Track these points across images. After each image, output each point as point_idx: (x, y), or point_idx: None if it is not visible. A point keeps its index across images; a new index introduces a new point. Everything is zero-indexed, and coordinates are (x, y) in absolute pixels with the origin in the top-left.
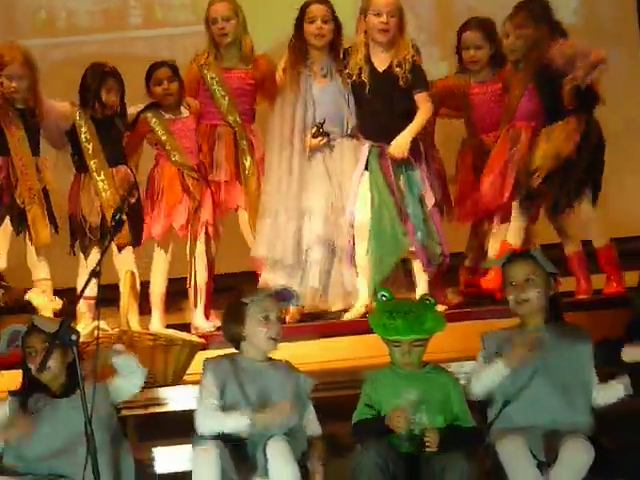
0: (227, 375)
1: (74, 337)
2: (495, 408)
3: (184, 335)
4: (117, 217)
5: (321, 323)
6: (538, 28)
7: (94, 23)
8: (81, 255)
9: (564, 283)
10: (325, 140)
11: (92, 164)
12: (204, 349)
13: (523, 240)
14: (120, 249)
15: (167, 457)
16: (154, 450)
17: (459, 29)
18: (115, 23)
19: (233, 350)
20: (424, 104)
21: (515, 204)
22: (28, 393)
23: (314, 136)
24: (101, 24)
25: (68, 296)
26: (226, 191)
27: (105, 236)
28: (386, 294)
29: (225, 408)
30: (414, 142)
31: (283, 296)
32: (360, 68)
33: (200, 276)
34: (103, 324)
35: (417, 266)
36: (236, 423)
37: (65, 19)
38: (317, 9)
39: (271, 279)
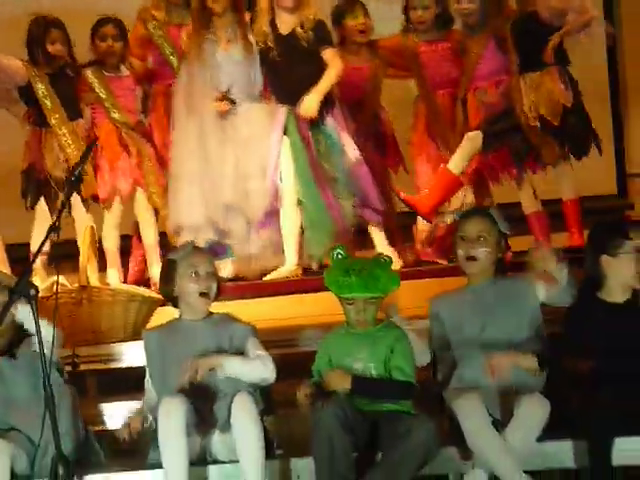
0: (162, 342)
1: (33, 292)
2: (444, 367)
3: (143, 291)
4: (77, 171)
5: (264, 282)
6: None
7: None
8: (37, 210)
9: (517, 242)
10: (229, 106)
11: (53, 120)
12: (163, 305)
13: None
14: (85, 202)
15: (125, 412)
16: (112, 405)
17: None
18: None
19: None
20: (332, 60)
21: (471, 134)
22: None
23: (219, 100)
24: None
25: (19, 252)
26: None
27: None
28: (341, 252)
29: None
30: (327, 100)
31: (215, 250)
32: (265, 33)
33: (148, 233)
34: (62, 279)
35: (370, 225)
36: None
37: None
38: None
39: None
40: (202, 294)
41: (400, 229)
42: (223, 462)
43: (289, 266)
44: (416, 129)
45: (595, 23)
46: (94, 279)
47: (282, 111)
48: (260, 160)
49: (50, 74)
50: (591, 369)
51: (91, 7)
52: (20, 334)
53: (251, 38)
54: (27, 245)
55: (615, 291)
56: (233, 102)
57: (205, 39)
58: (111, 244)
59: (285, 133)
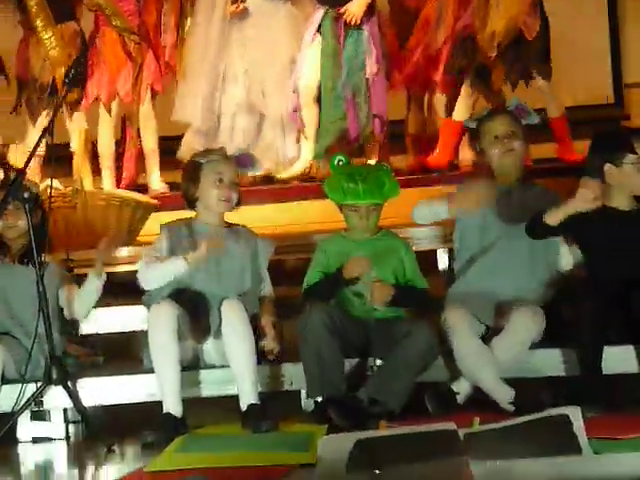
0: (181, 235)
1: (27, 194)
2: (458, 265)
3: (137, 196)
4: (70, 74)
5: (274, 187)
6: None
7: None
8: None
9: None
10: (242, 7)
11: (38, 22)
12: (158, 210)
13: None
14: (72, 107)
15: (119, 317)
16: (106, 309)
17: None
18: None
19: (188, 214)
20: None
21: (466, 81)
22: None
23: (233, 2)
24: None
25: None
26: (172, 55)
27: (55, 94)
28: (343, 158)
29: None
30: (370, 7)
31: (242, 161)
32: None
33: (149, 139)
34: (56, 182)
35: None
36: (173, 266)
37: None
38: None
39: (190, 142)
40: (222, 200)
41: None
42: (215, 367)
43: (303, 162)
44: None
45: None
46: (88, 183)
47: (319, 12)
48: (279, 62)
49: None
50: (584, 276)
51: None
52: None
53: None
54: None
55: (618, 199)
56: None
57: None
58: (106, 148)
59: (319, 33)
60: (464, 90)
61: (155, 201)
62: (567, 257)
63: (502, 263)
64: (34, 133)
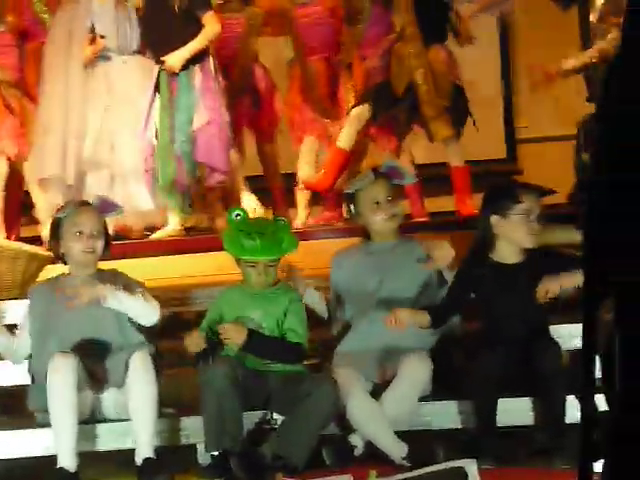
0: (47, 297)
1: None
2: (335, 331)
3: (31, 248)
4: None
5: (150, 240)
6: None
7: None
8: None
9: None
10: (100, 47)
11: None
12: (53, 262)
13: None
14: None
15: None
16: None
17: None
18: None
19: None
20: (209, 24)
21: (358, 109)
22: None
23: (90, 43)
24: None
25: None
26: None
27: None
28: (241, 213)
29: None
30: (199, 56)
31: (103, 207)
32: None
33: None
34: None
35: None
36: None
37: None
38: None
39: (47, 198)
40: (85, 252)
41: (284, 191)
42: (112, 420)
43: (173, 225)
44: (291, 90)
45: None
46: None
47: (155, 69)
48: (130, 115)
49: None
50: (478, 329)
51: None
52: None
53: None
54: None
55: (506, 252)
56: (104, 47)
57: None
58: None
59: (157, 91)
60: (353, 116)
61: (49, 253)
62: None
63: (380, 318)
64: None
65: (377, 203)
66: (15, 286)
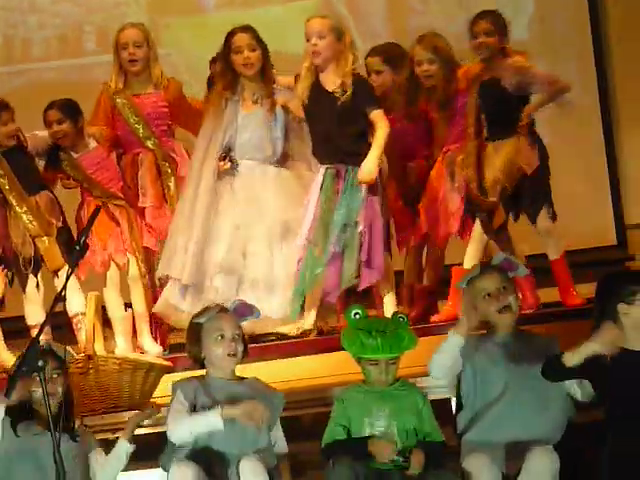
0: (197, 390)
1: (41, 363)
2: (464, 419)
3: (150, 358)
4: (82, 241)
5: (284, 342)
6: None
7: (50, 50)
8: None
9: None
10: (228, 165)
11: (11, 199)
12: (170, 372)
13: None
14: (55, 273)
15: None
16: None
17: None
18: (70, 49)
19: (200, 372)
20: (380, 122)
21: (477, 226)
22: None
23: (220, 159)
24: (57, 50)
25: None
26: (155, 215)
27: (39, 266)
28: (360, 312)
29: None
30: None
31: (240, 311)
32: (308, 92)
33: (136, 301)
34: (69, 349)
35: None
36: (206, 421)
37: (21, 47)
38: (241, 39)
39: (168, 297)
40: (229, 355)
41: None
42: None
43: (306, 325)
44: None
45: (566, 91)
46: (99, 348)
47: (321, 170)
48: (268, 222)
49: (3, 151)
50: (607, 418)
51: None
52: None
53: (276, 98)
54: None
55: (635, 340)
56: (232, 162)
57: (227, 100)
58: (116, 312)
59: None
60: (474, 235)
61: (168, 363)
62: (578, 392)
63: (511, 413)
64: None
65: (489, 295)
66: (135, 397)
